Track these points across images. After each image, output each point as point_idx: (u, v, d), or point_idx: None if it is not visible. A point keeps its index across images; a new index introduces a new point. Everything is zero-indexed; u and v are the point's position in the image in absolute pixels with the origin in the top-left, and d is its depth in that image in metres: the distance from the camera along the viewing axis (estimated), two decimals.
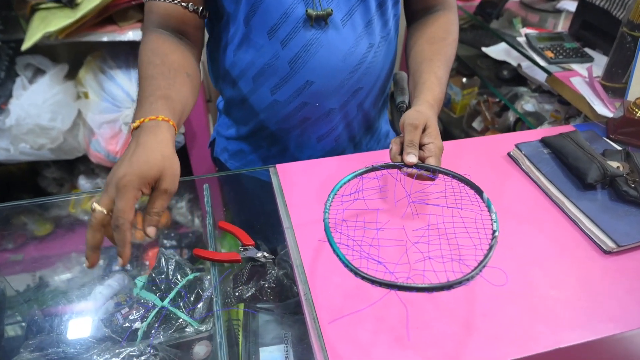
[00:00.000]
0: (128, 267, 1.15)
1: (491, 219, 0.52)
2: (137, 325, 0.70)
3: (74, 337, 0.69)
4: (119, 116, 1.38)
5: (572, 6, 1.54)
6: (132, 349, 0.60)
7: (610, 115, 0.93)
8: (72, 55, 1.49)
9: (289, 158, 0.86)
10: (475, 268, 0.46)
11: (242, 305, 0.75)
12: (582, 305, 0.56)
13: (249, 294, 0.77)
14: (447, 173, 0.59)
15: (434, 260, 0.57)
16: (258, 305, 0.76)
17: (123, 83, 1.38)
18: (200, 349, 0.68)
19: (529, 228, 0.67)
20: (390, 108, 1.07)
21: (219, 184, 0.97)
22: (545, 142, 0.80)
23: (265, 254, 0.73)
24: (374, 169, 0.61)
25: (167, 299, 0.73)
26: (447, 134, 1.97)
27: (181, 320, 0.70)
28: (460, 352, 0.51)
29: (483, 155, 0.81)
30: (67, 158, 1.48)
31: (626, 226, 0.64)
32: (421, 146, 0.62)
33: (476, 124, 1.89)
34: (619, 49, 0.99)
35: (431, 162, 0.60)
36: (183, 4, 0.69)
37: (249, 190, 0.93)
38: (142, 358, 0.59)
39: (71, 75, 1.44)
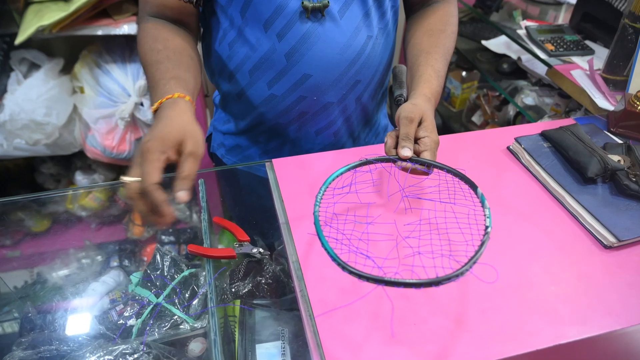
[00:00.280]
0: (125, 262, 1.14)
1: (484, 215, 0.51)
2: (131, 322, 0.69)
3: (67, 334, 0.69)
4: (115, 111, 1.36)
5: None
6: (125, 347, 0.60)
7: (611, 108, 0.92)
8: (67, 49, 1.48)
9: (287, 153, 0.85)
10: (466, 264, 0.45)
11: (238, 302, 0.75)
12: (582, 300, 0.56)
13: (246, 290, 0.76)
14: (442, 167, 0.58)
15: (423, 256, 0.57)
16: (255, 302, 0.75)
17: (119, 77, 1.37)
18: (195, 346, 0.68)
19: (528, 223, 0.66)
20: (389, 101, 1.06)
21: (216, 180, 0.96)
22: (545, 135, 0.79)
23: (261, 249, 0.72)
24: (367, 162, 0.60)
25: (162, 296, 0.72)
26: (446, 128, 1.96)
27: (176, 317, 0.69)
28: (459, 349, 0.50)
29: (482, 149, 0.80)
30: (63, 154, 1.47)
31: (627, 221, 0.64)
32: (416, 140, 0.61)
33: (476, 118, 1.88)
34: (620, 41, 0.97)
35: (426, 156, 0.59)
36: None
37: (245, 185, 0.92)
38: (135, 356, 0.58)
39: (67, 69, 1.43)
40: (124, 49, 1.42)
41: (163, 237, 1.36)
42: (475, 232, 0.55)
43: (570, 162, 0.73)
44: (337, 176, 0.59)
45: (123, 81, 1.37)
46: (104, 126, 1.39)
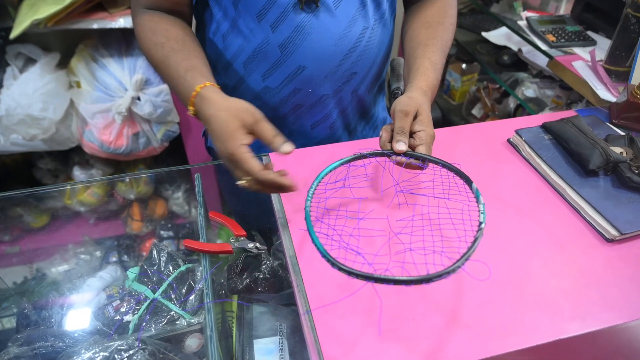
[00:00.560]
0: (124, 257, 1.14)
1: (478, 210, 0.50)
2: (128, 317, 0.69)
3: (63, 330, 0.68)
4: (112, 105, 1.35)
5: None
6: (120, 343, 0.59)
7: (613, 99, 0.91)
8: (63, 43, 1.47)
9: None
10: (458, 261, 0.44)
11: (235, 297, 0.74)
12: (583, 295, 0.55)
13: (243, 285, 0.75)
14: (437, 162, 0.57)
15: (415, 252, 0.56)
16: (252, 297, 0.75)
17: (115, 72, 1.36)
18: (192, 342, 0.67)
19: (529, 216, 0.65)
20: (388, 94, 1.05)
21: (213, 174, 0.95)
22: (546, 127, 0.78)
23: (258, 244, 0.71)
24: (361, 156, 0.60)
25: (159, 291, 0.71)
26: (446, 122, 1.95)
27: (173, 312, 0.69)
28: (459, 344, 0.50)
29: (482, 141, 0.79)
30: (61, 149, 1.46)
31: (629, 214, 0.63)
32: (412, 134, 0.60)
33: (476, 111, 1.86)
34: (623, 31, 0.96)
35: (421, 150, 0.58)
36: None
37: None
38: (131, 352, 0.58)
39: (63, 64, 1.41)
40: (121, 43, 1.40)
41: (162, 232, 1.35)
42: (469, 228, 0.54)
43: (572, 154, 0.72)
44: (330, 171, 0.58)
45: (120, 75, 1.35)
46: (101, 121, 1.38)
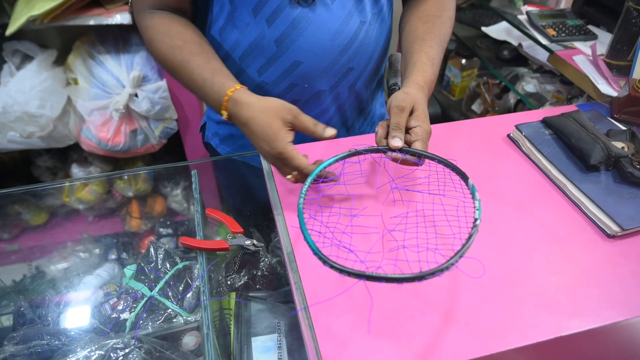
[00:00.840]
0: (123, 255, 1.14)
1: (474, 207, 0.49)
2: (125, 315, 0.68)
3: (59, 328, 0.68)
4: (109, 102, 1.34)
5: None
6: (116, 341, 0.58)
7: (614, 94, 0.90)
8: (60, 40, 1.46)
9: None
10: (452, 258, 0.43)
11: (233, 295, 0.73)
12: (584, 291, 0.54)
13: (241, 282, 0.75)
14: (433, 158, 0.57)
15: (408, 249, 0.55)
16: (250, 294, 0.74)
17: (113, 68, 1.35)
18: (189, 340, 0.67)
19: (529, 212, 0.64)
20: (386, 91, 1.04)
21: (210, 171, 0.95)
22: (546, 122, 0.77)
23: (255, 241, 0.71)
24: (356, 152, 0.59)
25: (156, 289, 0.71)
26: (445, 118, 1.93)
27: (170, 310, 0.68)
28: (459, 341, 0.49)
29: (481, 137, 0.78)
30: (58, 146, 1.46)
31: (631, 209, 0.62)
32: (408, 129, 0.60)
33: (476, 107, 1.85)
34: (624, 24, 0.95)
35: (418, 146, 0.58)
36: None
37: (241, 176, 0.91)
38: (127, 350, 0.57)
39: (60, 61, 1.40)
40: (118, 40, 1.39)
41: (161, 229, 1.35)
42: (463, 225, 0.53)
43: (573, 149, 0.71)
44: (325, 167, 0.58)
45: (117, 72, 1.35)
46: (99, 118, 1.37)
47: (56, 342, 0.62)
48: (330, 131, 0.59)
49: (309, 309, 0.52)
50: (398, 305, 0.53)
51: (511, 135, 0.78)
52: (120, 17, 1.24)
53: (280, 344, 0.66)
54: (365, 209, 0.64)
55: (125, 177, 1.50)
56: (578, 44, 1.20)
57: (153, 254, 0.76)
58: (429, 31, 0.71)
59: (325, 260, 0.45)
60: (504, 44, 1.57)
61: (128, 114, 1.40)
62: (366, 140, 0.76)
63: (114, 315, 0.69)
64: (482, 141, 0.78)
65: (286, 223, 0.63)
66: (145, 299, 0.69)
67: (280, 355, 0.64)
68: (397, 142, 0.57)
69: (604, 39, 1.21)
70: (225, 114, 0.63)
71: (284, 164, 0.59)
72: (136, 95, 1.35)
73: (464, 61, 1.90)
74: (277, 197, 0.67)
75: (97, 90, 1.35)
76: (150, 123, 1.45)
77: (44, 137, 1.38)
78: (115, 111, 1.35)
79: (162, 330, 0.67)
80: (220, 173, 0.95)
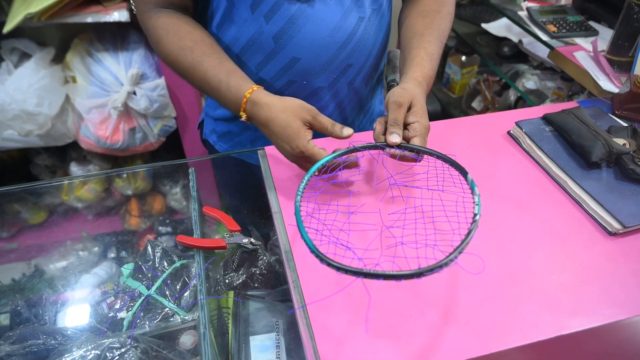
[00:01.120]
0: (122, 253, 1.13)
1: (473, 202, 0.49)
2: (122, 314, 0.68)
3: (56, 327, 0.67)
4: (108, 100, 1.34)
5: None
6: (112, 341, 0.58)
7: (615, 90, 0.90)
8: (59, 38, 1.45)
9: None
10: (450, 254, 0.43)
11: (231, 293, 0.73)
12: (585, 290, 0.54)
13: (240, 281, 0.74)
14: (431, 153, 0.56)
15: (407, 246, 0.54)
16: (249, 293, 0.74)
17: (111, 66, 1.34)
18: (186, 339, 0.66)
19: (529, 209, 0.64)
20: (385, 87, 1.03)
21: (208, 168, 0.94)
22: (547, 119, 0.76)
23: (252, 239, 0.70)
24: (354, 149, 0.59)
25: (153, 288, 0.70)
26: (445, 115, 1.93)
27: (167, 309, 0.68)
28: (459, 340, 0.48)
29: (481, 134, 0.78)
30: (57, 144, 1.45)
31: (632, 207, 0.61)
32: (406, 125, 0.59)
33: (476, 104, 1.85)
34: (626, 20, 0.94)
35: (416, 142, 0.57)
36: None
37: (238, 173, 0.90)
38: (123, 350, 0.57)
39: (58, 59, 1.40)
40: (116, 37, 1.39)
41: (160, 227, 1.35)
42: (463, 221, 0.53)
43: (574, 146, 0.70)
44: (322, 165, 0.57)
45: (115, 70, 1.34)
46: (97, 116, 1.36)
47: (52, 342, 0.62)
48: (348, 131, 0.60)
49: (307, 308, 0.52)
50: (397, 304, 0.52)
51: (511, 132, 0.77)
52: (118, 15, 1.24)
53: (278, 342, 0.66)
54: (363, 206, 0.63)
55: (124, 175, 1.49)
56: (579, 40, 1.19)
57: (150, 252, 0.75)
58: (428, 26, 0.71)
59: (322, 258, 0.44)
60: (504, 40, 1.56)
61: (126, 112, 1.39)
62: (364, 137, 0.76)
63: (111, 314, 0.68)
64: (482, 138, 0.77)
65: (284, 221, 0.63)
66: (142, 297, 0.68)
67: (279, 354, 0.64)
68: (395, 138, 0.57)
69: (605, 35, 1.20)
70: (244, 116, 0.63)
71: (307, 161, 0.60)
72: (134, 93, 1.35)
73: (463, 58, 1.89)
74: (274, 194, 0.67)
75: (96, 88, 1.34)
76: (149, 121, 1.44)
77: (42, 135, 1.37)
78: (114, 109, 1.34)
79: (159, 330, 0.66)
80: (218, 171, 0.95)
